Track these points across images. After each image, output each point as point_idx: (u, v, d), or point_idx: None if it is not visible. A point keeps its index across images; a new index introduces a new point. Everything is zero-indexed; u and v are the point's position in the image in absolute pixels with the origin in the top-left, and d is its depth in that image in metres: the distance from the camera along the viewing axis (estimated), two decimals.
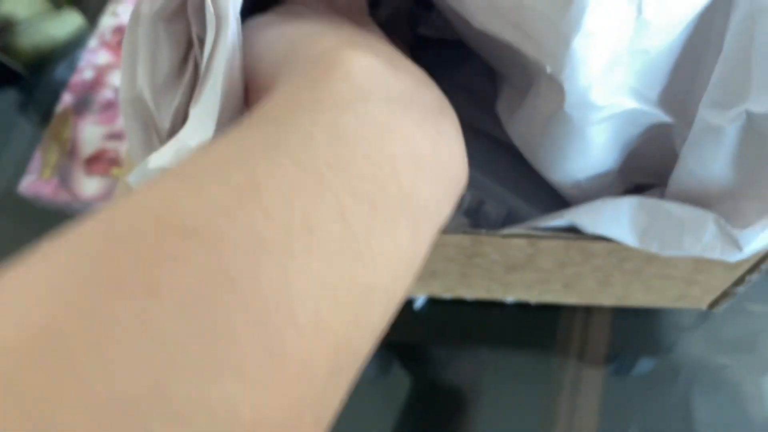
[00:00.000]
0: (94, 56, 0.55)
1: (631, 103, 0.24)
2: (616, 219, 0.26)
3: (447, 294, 0.37)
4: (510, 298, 0.36)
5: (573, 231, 0.28)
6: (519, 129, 0.27)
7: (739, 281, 0.31)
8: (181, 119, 0.28)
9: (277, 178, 0.16)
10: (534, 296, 0.36)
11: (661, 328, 0.38)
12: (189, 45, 0.28)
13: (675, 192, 0.27)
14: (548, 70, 0.22)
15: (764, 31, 0.23)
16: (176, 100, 0.27)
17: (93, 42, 0.55)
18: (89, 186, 0.50)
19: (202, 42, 0.27)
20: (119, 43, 0.55)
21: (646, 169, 0.29)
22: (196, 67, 0.28)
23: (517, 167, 0.33)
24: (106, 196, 0.49)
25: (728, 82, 0.24)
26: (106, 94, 0.53)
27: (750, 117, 0.23)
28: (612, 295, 0.35)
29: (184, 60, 0.28)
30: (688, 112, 0.25)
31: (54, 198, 0.50)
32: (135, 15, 0.27)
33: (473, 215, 0.34)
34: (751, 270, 0.30)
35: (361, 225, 0.17)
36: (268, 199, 0.16)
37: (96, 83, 0.54)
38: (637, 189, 0.29)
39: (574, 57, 0.21)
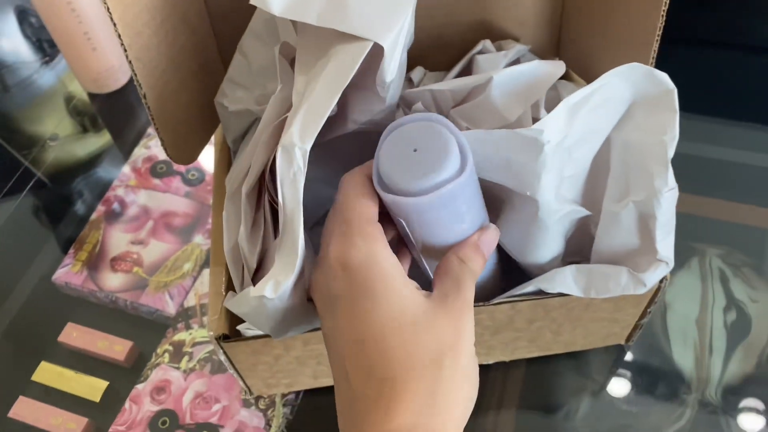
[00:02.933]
0: (127, 178, 0.68)
1: (569, 206, 0.39)
2: (565, 281, 0.41)
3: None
4: (491, 360, 0.50)
5: (538, 294, 0.42)
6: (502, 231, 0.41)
7: (643, 315, 0.46)
8: (260, 261, 0.40)
9: None
10: (508, 354, 0.49)
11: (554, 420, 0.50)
12: (259, 207, 0.41)
13: (596, 259, 0.42)
14: (528, 193, 0.37)
15: (633, 154, 0.39)
16: (258, 247, 0.40)
17: (126, 167, 0.70)
18: (113, 281, 0.61)
19: (272, 205, 0.40)
20: (147, 170, 0.69)
21: (575, 250, 0.44)
22: (265, 223, 0.40)
23: None
24: (128, 289, 0.61)
25: (617, 184, 0.40)
26: (133, 209, 0.66)
27: (633, 204, 0.39)
28: (562, 343, 0.49)
29: (257, 219, 0.41)
30: (597, 206, 0.41)
31: (82, 287, 0.61)
32: (230, 194, 0.40)
33: None
34: (648, 305, 0.45)
35: None
36: None
37: (126, 200, 0.67)
38: (570, 264, 0.44)
39: (543, 184, 0.37)
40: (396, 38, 0.37)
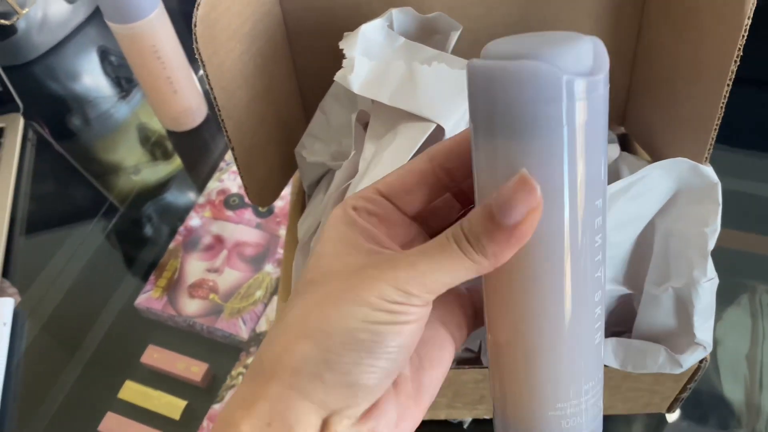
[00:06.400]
0: (202, 210, 0.74)
1: (608, 286, 0.42)
2: (605, 352, 0.43)
3: (487, 415, 0.52)
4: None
5: None
6: None
7: (683, 390, 0.48)
8: None
9: None
10: None
11: None
12: None
13: (637, 335, 0.44)
14: None
15: (674, 243, 0.41)
16: None
17: (201, 199, 0.75)
18: (191, 306, 0.66)
19: None
20: (221, 202, 0.75)
21: (618, 321, 0.46)
22: None
23: None
24: (204, 314, 0.65)
25: (658, 269, 0.42)
26: (208, 238, 0.71)
27: (673, 289, 0.41)
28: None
29: None
30: (639, 286, 0.43)
31: (162, 312, 0.66)
32: (301, 245, 0.45)
33: None
34: (688, 382, 0.47)
35: None
36: None
37: (202, 230, 0.72)
38: (613, 334, 0.47)
39: None
40: (458, 121, 0.41)
